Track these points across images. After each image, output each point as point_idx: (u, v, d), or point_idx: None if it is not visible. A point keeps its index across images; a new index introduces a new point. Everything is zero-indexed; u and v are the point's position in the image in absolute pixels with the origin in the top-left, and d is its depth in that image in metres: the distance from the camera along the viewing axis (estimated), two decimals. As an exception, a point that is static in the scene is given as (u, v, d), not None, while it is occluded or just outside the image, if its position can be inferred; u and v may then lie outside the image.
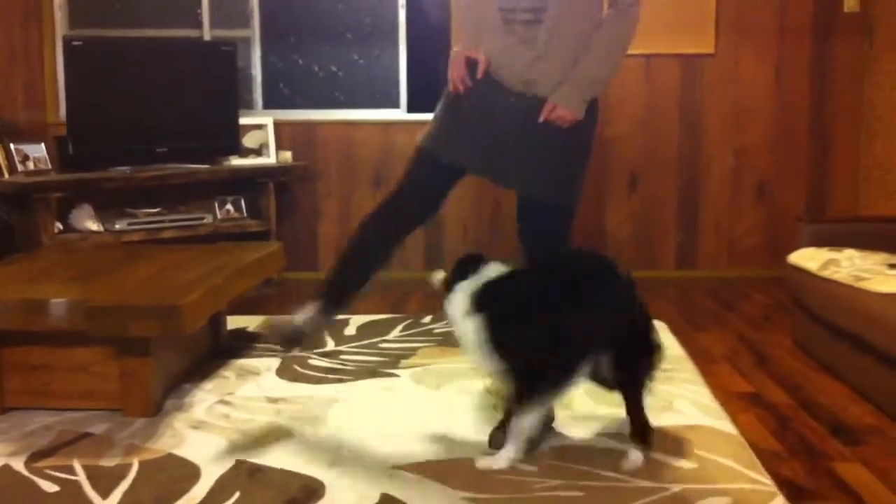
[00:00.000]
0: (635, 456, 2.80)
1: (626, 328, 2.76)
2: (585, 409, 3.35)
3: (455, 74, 2.95)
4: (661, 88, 6.00)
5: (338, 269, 3.23)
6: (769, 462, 2.86)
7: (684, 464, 2.82)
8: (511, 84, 2.90)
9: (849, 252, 3.89)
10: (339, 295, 3.22)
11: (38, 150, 5.27)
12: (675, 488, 2.64)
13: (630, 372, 2.80)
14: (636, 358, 2.80)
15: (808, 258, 3.97)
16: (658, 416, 3.27)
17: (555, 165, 2.94)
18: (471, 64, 2.93)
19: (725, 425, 3.16)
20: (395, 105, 6.13)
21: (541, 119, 2.85)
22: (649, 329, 2.83)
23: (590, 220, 6.05)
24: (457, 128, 2.98)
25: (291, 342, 3.28)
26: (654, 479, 2.71)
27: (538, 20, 2.84)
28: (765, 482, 2.68)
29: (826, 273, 3.75)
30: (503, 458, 2.79)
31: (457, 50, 3.01)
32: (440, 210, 3.14)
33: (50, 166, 5.29)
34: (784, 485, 2.68)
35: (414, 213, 3.12)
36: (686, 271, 6.08)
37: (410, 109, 6.09)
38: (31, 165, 5.19)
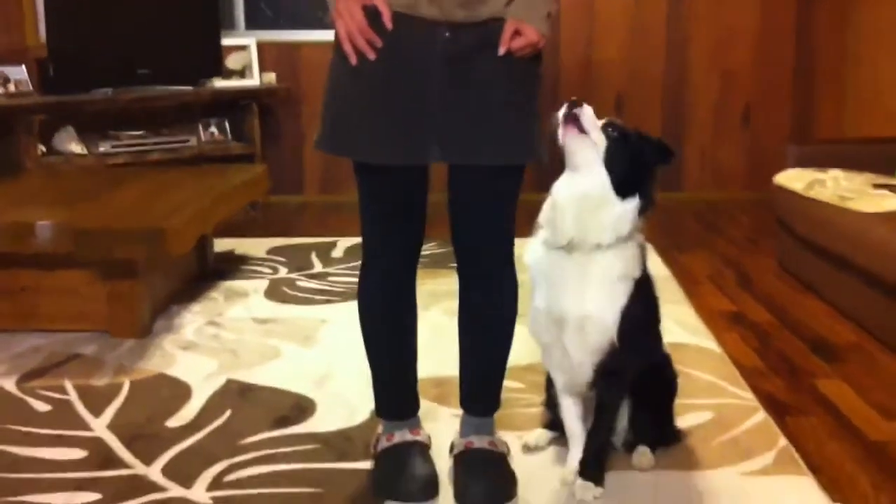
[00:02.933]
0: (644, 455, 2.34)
1: None
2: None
3: (354, 32, 1.97)
4: (647, 9, 5.93)
5: None
6: (751, 378, 2.91)
7: (668, 381, 2.87)
8: (443, 14, 1.96)
9: (834, 173, 3.90)
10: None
11: (19, 73, 5.18)
12: (660, 404, 2.69)
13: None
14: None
15: (793, 179, 3.98)
16: (643, 335, 3.31)
17: (513, 112, 2.07)
18: (370, 13, 1.96)
19: (709, 343, 3.21)
20: (380, 26, 6.04)
21: (502, 51, 1.99)
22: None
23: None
24: (366, 108, 2.03)
25: None
26: (639, 396, 2.75)
27: None
28: (747, 397, 2.73)
29: (811, 193, 3.77)
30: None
31: (340, 4, 1.98)
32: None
33: (31, 88, 5.22)
34: (766, 400, 2.74)
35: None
36: (671, 193, 6.09)
37: (395, 30, 6.00)
38: (11, 88, 5.12)
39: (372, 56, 1.99)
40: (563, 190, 2.14)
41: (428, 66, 1.99)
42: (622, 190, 2.11)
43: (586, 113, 2.13)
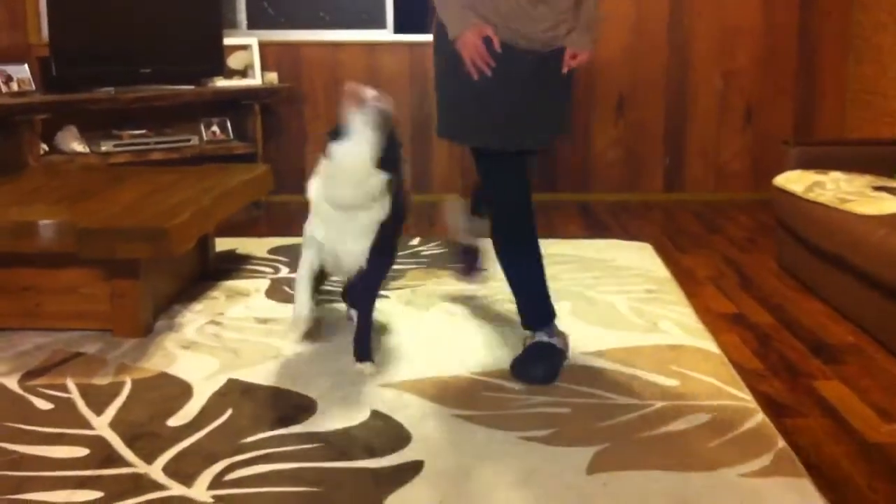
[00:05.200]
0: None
1: None
2: (570, 325, 3.40)
3: (475, 57, 2.73)
4: (649, 10, 5.94)
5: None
6: (750, 380, 2.92)
7: (667, 381, 2.88)
8: (530, 45, 2.77)
9: (834, 174, 3.91)
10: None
11: (22, 72, 5.19)
12: (658, 404, 2.70)
13: None
14: None
15: (793, 181, 3.99)
16: (643, 335, 3.32)
17: (559, 104, 2.94)
18: (486, 41, 2.74)
19: (708, 345, 3.22)
20: (382, 26, 6.06)
21: (565, 70, 2.84)
22: None
23: (577, 143, 6.04)
24: (484, 109, 2.80)
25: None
26: (638, 396, 2.76)
27: None
28: (746, 399, 2.74)
29: (811, 195, 3.78)
30: None
31: (463, 33, 2.74)
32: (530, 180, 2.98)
33: (34, 87, 5.23)
34: (764, 401, 2.75)
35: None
36: (673, 194, 6.11)
37: (397, 30, 6.02)
38: (14, 87, 5.13)
39: (489, 73, 2.75)
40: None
41: (522, 79, 2.79)
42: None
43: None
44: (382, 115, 2.79)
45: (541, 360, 2.91)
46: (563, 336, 3.02)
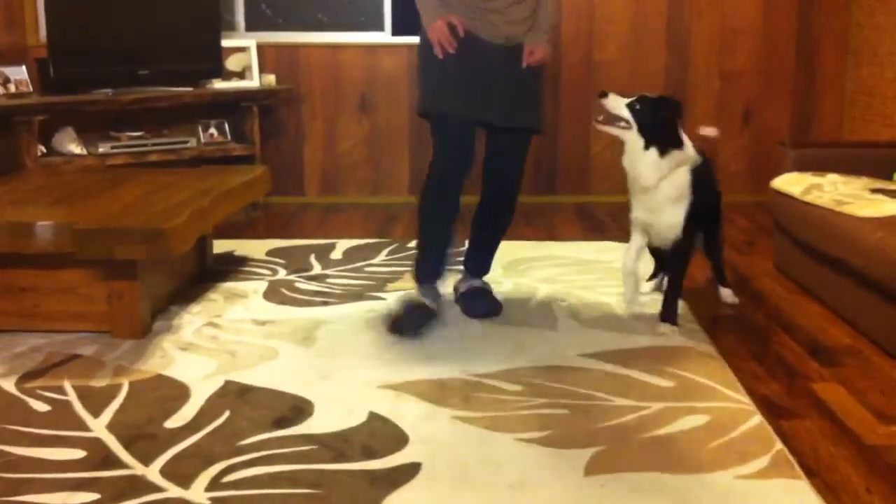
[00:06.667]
0: (727, 293, 3.79)
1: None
2: (569, 327, 3.40)
3: (442, 39, 3.27)
4: (647, 9, 5.95)
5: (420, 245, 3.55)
6: (748, 382, 2.92)
7: (665, 383, 2.88)
8: (493, 40, 3.31)
9: (832, 177, 3.91)
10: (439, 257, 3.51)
11: (19, 73, 5.19)
12: (656, 406, 2.70)
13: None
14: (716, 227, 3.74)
15: (791, 183, 4.00)
16: (641, 337, 3.33)
17: (530, 98, 3.41)
18: (451, 28, 3.27)
19: (706, 347, 3.22)
20: (380, 28, 6.06)
21: (525, 64, 3.34)
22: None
23: (576, 144, 6.05)
24: (447, 84, 3.31)
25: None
26: (636, 398, 2.77)
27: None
28: (743, 401, 2.74)
29: (808, 198, 3.78)
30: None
31: (433, 21, 3.29)
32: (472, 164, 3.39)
33: (31, 89, 5.23)
34: (762, 403, 2.75)
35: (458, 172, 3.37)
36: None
37: (395, 32, 6.02)
38: (12, 88, 5.13)
39: (452, 52, 3.27)
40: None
41: (485, 63, 3.30)
42: (650, 142, 3.28)
43: (610, 103, 3.32)
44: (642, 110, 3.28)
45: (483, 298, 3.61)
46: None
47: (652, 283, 3.89)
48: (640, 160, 3.29)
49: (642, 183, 3.32)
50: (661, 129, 3.27)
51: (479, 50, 3.30)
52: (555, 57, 5.81)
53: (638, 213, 3.46)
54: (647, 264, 3.86)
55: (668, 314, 3.40)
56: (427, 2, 3.32)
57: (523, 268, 4.30)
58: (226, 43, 5.77)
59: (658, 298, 3.55)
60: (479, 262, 3.71)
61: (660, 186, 3.31)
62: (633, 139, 3.30)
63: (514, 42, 3.33)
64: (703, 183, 3.40)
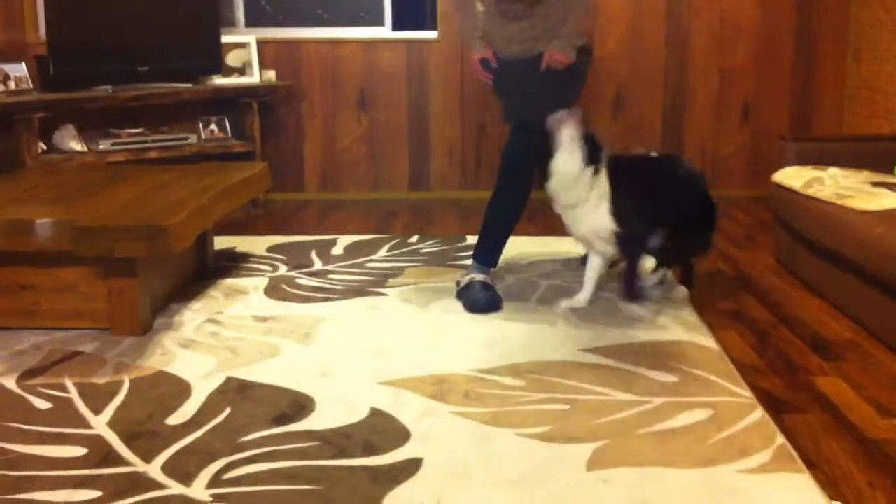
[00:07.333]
0: (681, 290, 3.77)
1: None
2: (569, 325, 3.40)
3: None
4: (646, 5, 5.94)
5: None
6: (749, 376, 2.92)
7: (666, 378, 2.88)
8: (515, 56, 3.63)
9: (833, 170, 3.91)
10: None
11: (19, 70, 5.19)
12: (657, 401, 2.70)
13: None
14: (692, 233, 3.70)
15: (792, 176, 3.99)
16: (642, 332, 3.32)
17: (549, 96, 3.59)
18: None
19: (707, 341, 3.22)
20: (380, 23, 6.05)
21: (542, 67, 3.55)
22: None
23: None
24: (501, 98, 3.82)
25: None
26: (637, 393, 2.76)
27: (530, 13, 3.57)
28: (745, 395, 2.74)
29: (810, 191, 3.77)
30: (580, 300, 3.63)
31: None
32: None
33: (31, 86, 5.23)
34: (764, 398, 2.75)
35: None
36: (671, 191, 6.09)
37: (395, 28, 6.02)
38: (11, 85, 5.12)
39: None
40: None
41: (515, 71, 3.64)
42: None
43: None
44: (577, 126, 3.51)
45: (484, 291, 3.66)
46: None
47: (655, 277, 3.88)
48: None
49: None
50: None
51: (507, 66, 3.68)
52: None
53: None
54: (648, 261, 3.85)
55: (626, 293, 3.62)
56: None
57: (525, 263, 4.30)
58: (226, 39, 5.77)
59: (657, 298, 3.54)
60: (489, 253, 3.81)
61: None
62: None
63: (530, 54, 3.59)
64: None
